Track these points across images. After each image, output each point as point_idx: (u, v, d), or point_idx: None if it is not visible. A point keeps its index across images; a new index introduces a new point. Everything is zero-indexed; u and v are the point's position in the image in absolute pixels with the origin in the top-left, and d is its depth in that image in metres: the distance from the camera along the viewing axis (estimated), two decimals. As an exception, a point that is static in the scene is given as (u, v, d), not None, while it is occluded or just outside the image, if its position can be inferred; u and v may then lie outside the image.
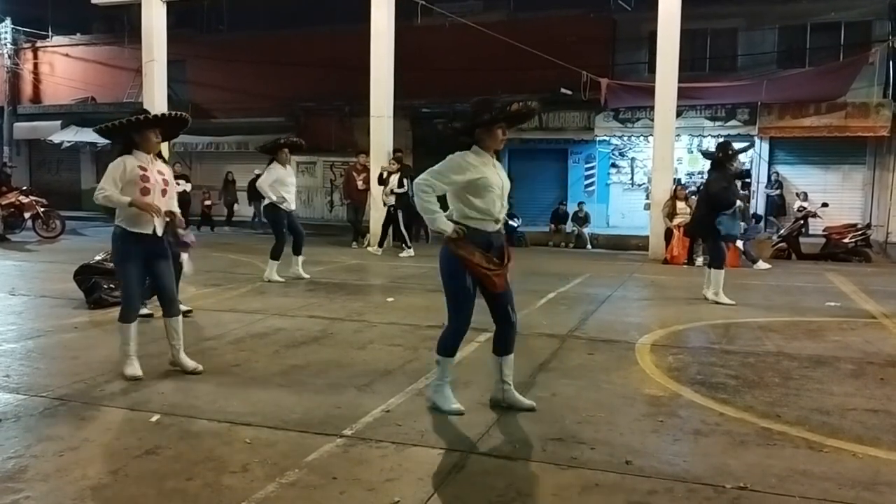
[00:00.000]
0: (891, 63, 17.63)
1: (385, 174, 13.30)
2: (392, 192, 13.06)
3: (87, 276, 7.67)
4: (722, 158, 8.39)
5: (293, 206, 9.50)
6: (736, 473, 3.46)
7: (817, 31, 18.91)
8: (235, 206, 20.65)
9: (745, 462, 3.61)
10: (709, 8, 18.01)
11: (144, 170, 4.94)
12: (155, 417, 4.17)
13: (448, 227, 4.17)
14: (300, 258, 9.72)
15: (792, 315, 7.67)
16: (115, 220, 5.00)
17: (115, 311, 7.13)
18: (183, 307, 7.12)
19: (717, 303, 8.16)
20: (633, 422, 4.21)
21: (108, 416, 4.23)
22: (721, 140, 9.53)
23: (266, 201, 9.50)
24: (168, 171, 5.23)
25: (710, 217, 8.27)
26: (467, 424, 4.09)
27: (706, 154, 9.24)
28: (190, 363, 5.11)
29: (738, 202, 8.18)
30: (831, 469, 3.54)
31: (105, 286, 7.56)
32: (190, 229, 7.01)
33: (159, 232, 5.03)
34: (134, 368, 4.93)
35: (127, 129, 4.94)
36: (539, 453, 3.71)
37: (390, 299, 8.31)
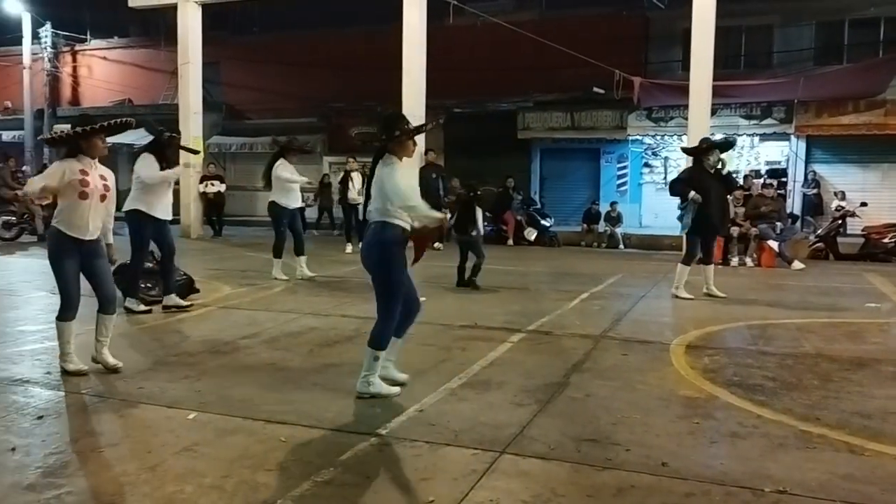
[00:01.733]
0: (932, 59, 17.23)
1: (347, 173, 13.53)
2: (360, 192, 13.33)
3: (124, 276, 7.77)
4: (697, 153, 8.52)
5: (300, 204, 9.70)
6: (775, 477, 3.41)
7: (856, 26, 18.54)
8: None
9: (784, 465, 3.55)
10: (744, 4, 17.77)
11: (85, 174, 5.06)
12: (192, 415, 4.22)
13: (438, 214, 4.71)
14: (303, 258, 9.72)
15: (831, 316, 7.53)
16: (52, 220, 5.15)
17: (154, 310, 7.30)
18: (182, 302, 7.47)
19: (676, 296, 8.40)
20: (668, 423, 4.16)
21: (147, 413, 4.30)
22: (702, 137, 9.57)
23: (272, 197, 9.46)
24: (111, 177, 5.32)
25: (702, 214, 8.41)
26: (501, 425, 4.08)
27: (685, 150, 9.55)
28: (111, 360, 5.19)
29: (694, 195, 8.24)
30: (873, 473, 3.47)
31: (142, 285, 7.66)
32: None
33: (94, 237, 5.15)
34: (76, 364, 5.10)
35: (74, 138, 5.08)
36: (573, 454, 3.68)
37: (422, 299, 8.28)
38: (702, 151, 8.49)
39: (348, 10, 21.49)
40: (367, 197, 4.64)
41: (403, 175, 4.53)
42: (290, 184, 9.35)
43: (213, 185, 16.22)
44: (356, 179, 13.29)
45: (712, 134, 12.54)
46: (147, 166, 7.32)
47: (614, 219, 18.25)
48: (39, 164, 22.24)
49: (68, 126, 5.13)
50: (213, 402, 4.45)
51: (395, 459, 3.61)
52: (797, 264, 11.48)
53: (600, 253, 15.95)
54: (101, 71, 26.28)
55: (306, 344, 6.06)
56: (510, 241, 16.13)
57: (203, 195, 16.15)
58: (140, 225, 7.32)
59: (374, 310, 4.75)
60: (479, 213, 9.46)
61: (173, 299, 7.43)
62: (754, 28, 19.21)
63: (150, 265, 8.02)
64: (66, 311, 5.16)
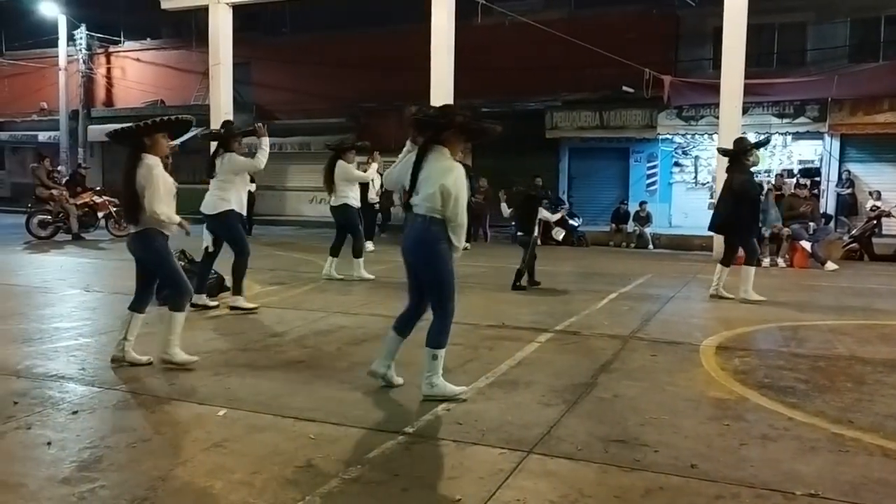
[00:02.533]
0: (971, 56, 16.88)
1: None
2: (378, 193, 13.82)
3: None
4: (738, 153, 8.35)
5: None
6: (806, 480, 3.36)
7: (892, 23, 18.18)
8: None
9: (816, 468, 3.51)
10: (777, 1, 17.52)
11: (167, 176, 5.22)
12: (222, 412, 4.27)
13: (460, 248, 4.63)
14: (360, 260, 9.71)
15: (865, 318, 7.41)
16: (144, 225, 5.20)
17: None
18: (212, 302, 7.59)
19: (745, 300, 8.19)
20: (697, 425, 4.13)
21: (178, 409, 4.36)
22: (736, 137, 9.39)
23: (343, 200, 9.44)
24: None
25: (737, 214, 8.24)
26: (528, 424, 4.08)
27: (723, 151, 9.26)
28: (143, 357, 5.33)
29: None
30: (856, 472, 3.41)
31: (174, 283, 7.77)
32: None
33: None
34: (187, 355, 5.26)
35: (138, 134, 5.11)
36: (601, 454, 3.67)
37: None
38: (743, 152, 8.37)
39: (377, 11, 21.58)
40: (411, 188, 4.50)
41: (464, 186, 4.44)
42: (357, 182, 9.48)
43: (244, 184, 16.34)
44: (376, 180, 13.41)
45: (744, 133, 12.38)
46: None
47: (643, 218, 18.12)
48: (74, 164, 22.67)
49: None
50: (243, 400, 4.50)
51: (423, 458, 3.63)
52: (830, 265, 11.31)
53: (629, 253, 15.85)
54: (135, 72, 26.67)
55: (335, 342, 6.11)
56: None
57: (233, 194, 16.27)
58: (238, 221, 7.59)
59: (402, 308, 4.77)
60: (540, 212, 9.45)
61: (203, 299, 7.51)
62: (787, 25, 18.94)
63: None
64: (186, 300, 5.35)
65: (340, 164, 9.37)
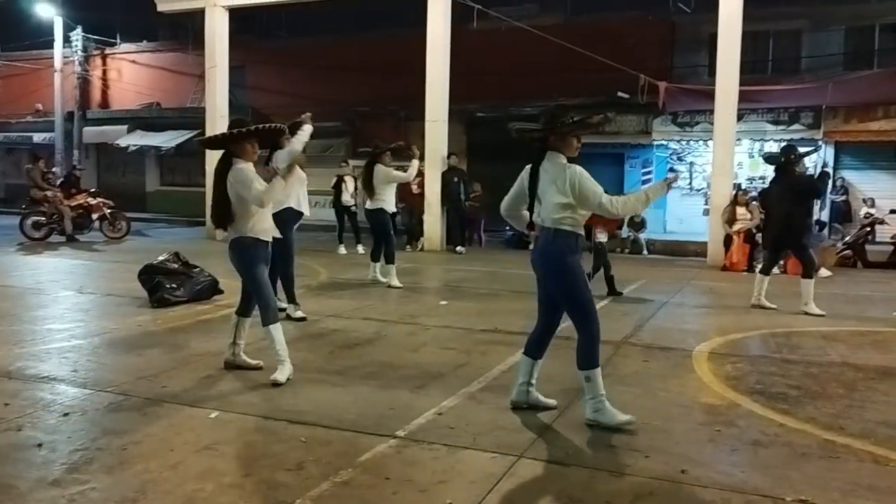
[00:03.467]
0: (965, 64, 16.95)
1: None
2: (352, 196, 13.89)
3: (150, 276, 7.90)
4: (785, 162, 8.23)
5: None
6: (797, 486, 3.37)
7: (886, 31, 18.25)
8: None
9: (807, 474, 3.52)
10: (772, 9, 17.57)
11: None
12: (214, 414, 4.27)
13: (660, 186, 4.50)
14: (378, 265, 9.62)
15: (857, 325, 7.43)
16: (237, 233, 5.03)
17: (177, 310, 7.38)
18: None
19: (806, 313, 7.93)
20: (689, 430, 4.13)
21: (169, 411, 4.35)
22: (784, 144, 9.30)
23: (380, 204, 9.32)
24: None
25: (794, 217, 8.10)
26: (519, 429, 4.08)
27: (770, 159, 8.97)
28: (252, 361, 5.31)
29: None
30: (897, 484, 3.42)
31: (168, 286, 7.78)
32: None
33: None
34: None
35: (225, 141, 5.09)
36: (592, 460, 3.67)
37: (443, 302, 8.34)
38: (791, 161, 8.24)
39: (373, 15, 21.60)
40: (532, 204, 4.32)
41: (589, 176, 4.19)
42: (395, 186, 9.59)
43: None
44: (349, 183, 13.63)
45: (739, 140, 12.39)
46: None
47: (638, 224, 18.12)
48: (69, 165, 22.62)
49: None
50: (235, 402, 4.49)
51: (414, 462, 3.62)
52: (824, 272, 11.33)
53: (623, 258, 15.84)
54: (130, 74, 26.61)
55: (327, 346, 6.10)
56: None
57: (228, 198, 16.26)
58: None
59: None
60: None
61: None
62: (782, 33, 18.99)
63: (176, 266, 8.14)
64: (274, 312, 5.10)
65: (379, 167, 9.29)
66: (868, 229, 14.21)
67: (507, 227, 17.08)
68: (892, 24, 18.03)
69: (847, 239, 14.66)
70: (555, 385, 4.95)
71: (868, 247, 13.87)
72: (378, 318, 7.29)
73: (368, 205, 9.40)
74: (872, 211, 15.82)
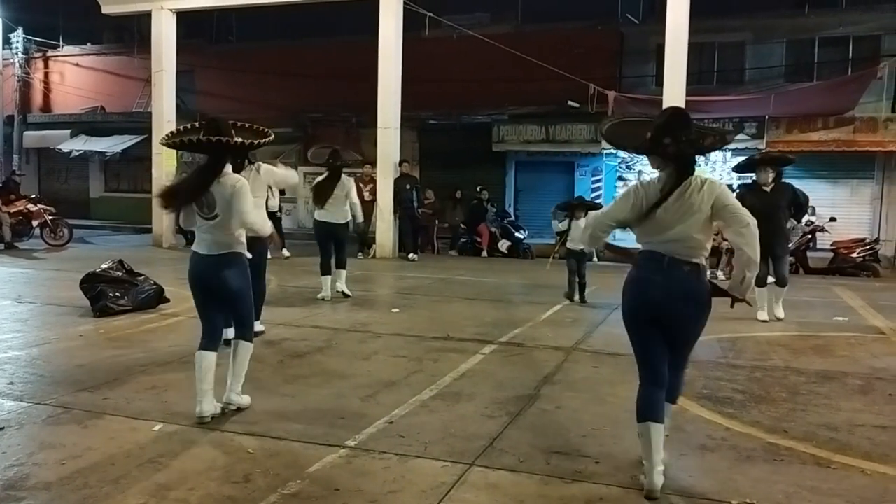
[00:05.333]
0: (899, 78, 17.59)
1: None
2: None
3: (93, 285, 7.69)
4: (785, 164, 8.36)
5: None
6: (742, 489, 3.43)
7: (825, 45, 18.86)
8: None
9: (752, 477, 3.58)
10: (716, 21, 18.00)
11: None
12: (158, 426, 4.16)
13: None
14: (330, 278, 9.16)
15: (800, 329, 7.62)
16: (236, 248, 4.45)
17: (121, 320, 7.20)
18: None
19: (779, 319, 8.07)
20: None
21: (112, 424, 4.22)
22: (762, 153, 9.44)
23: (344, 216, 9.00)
24: None
25: (785, 229, 8.17)
26: (471, 437, 4.07)
27: (783, 161, 8.56)
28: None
29: None
30: (839, 486, 3.50)
31: (111, 294, 7.58)
32: None
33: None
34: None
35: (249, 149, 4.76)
36: (543, 466, 3.68)
37: (395, 310, 8.29)
38: (747, 167, 8.27)
39: (325, 21, 21.47)
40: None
41: None
42: None
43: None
44: (275, 189, 13.41)
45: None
46: None
47: (588, 231, 18.33)
48: (8, 170, 21.89)
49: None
50: (180, 414, 4.38)
51: (364, 472, 3.58)
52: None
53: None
54: (74, 77, 25.95)
55: (276, 354, 6.01)
56: (484, 253, 16.17)
57: (176, 204, 15.96)
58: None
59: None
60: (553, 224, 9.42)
61: None
62: (727, 45, 19.47)
63: (120, 274, 7.93)
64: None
65: (345, 178, 9.10)
66: (809, 237, 14.62)
67: (461, 234, 17.24)
68: (830, 37, 18.64)
69: (789, 246, 15.05)
70: (507, 392, 4.96)
71: (809, 254, 14.27)
72: (329, 326, 7.21)
73: (317, 216, 9.02)
74: (813, 219, 16.27)
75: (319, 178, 9.08)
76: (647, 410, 3.47)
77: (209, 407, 4.28)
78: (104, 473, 3.49)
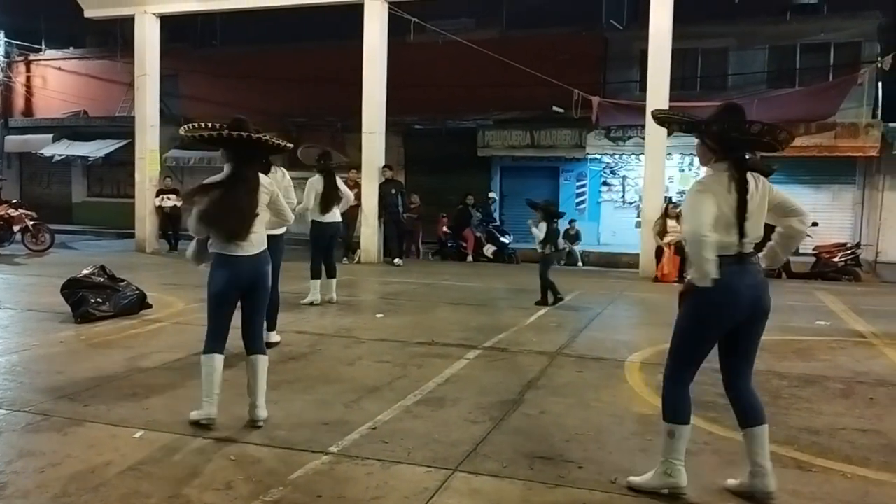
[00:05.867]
0: (879, 84, 17.78)
1: None
2: None
3: (74, 290, 7.61)
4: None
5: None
6: (725, 493, 3.44)
7: (807, 51, 19.07)
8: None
9: (727, 479, 3.58)
10: (700, 28, 18.15)
11: None
12: (139, 433, 4.12)
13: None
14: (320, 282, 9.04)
15: (782, 334, 7.65)
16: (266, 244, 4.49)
17: (102, 326, 7.14)
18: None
19: None
20: (621, 440, 4.18)
21: (92, 431, 4.18)
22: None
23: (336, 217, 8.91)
24: None
25: None
26: (455, 442, 4.06)
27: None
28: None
29: None
30: (820, 489, 3.52)
31: (92, 300, 7.50)
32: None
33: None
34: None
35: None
36: (526, 472, 3.68)
37: (379, 315, 8.27)
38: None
39: (310, 26, 21.44)
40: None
41: None
42: None
43: (169, 198, 15.96)
44: None
45: (670, 154, 12.63)
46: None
47: (573, 236, 18.41)
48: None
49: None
50: (162, 421, 4.35)
51: (347, 478, 3.56)
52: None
53: (558, 270, 16.02)
54: (56, 81, 25.78)
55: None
56: (469, 258, 16.18)
57: (159, 209, 15.89)
58: None
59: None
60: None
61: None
62: (710, 51, 19.64)
63: (102, 280, 7.87)
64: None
65: (339, 180, 9.00)
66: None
67: (447, 239, 17.25)
68: (812, 44, 18.84)
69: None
70: (491, 397, 4.96)
71: (791, 258, 14.37)
72: (313, 331, 7.18)
73: (319, 217, 8.77)
74: (795, 224, 16.40)
75: (318, 186, 8.76)
76: (746, 421, 3.51)
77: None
78: (84, 482, 3.46)
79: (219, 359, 4.41)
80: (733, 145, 3.35)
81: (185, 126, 4.55)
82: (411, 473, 3.63)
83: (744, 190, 3.30)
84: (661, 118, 3.68)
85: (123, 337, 6.79)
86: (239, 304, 4.48)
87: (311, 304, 8.71)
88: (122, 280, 8.06)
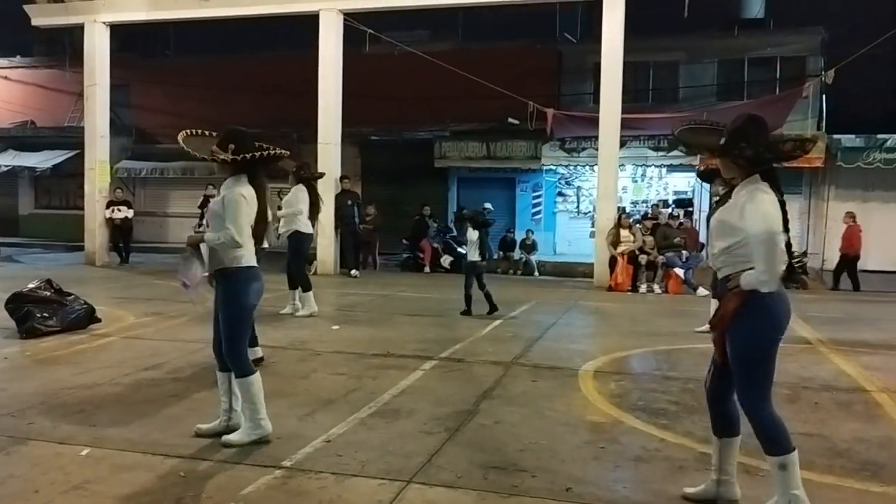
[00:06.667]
0: (824, 97, 18.33)
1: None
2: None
3: (19, 305, 7.40)
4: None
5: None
6: (675, 499, 3.49)
7: (754, 65, 19.59)
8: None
9: (685, 487, 3.64)
10: (651, 41, 18.50)
11: None
12: (85, 451, 4.03)
13: None
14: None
15: (731, 341, 7.80)
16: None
17: (49, 341, 6.95)
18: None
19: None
20: (574, 449, 4.22)
21: (36, 450, 4.07)
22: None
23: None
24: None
25: None
26: (410, 454, 4.05)
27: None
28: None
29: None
30: (766, 493, 3.58)
31: (38, 315, 7.31)
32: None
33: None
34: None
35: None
36: (480, 482, 3.68)
37: (335, 327, 8.22)
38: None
39: (265, 36, 21.31)
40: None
41: None
42: None
43: (119, 210, 15.67)
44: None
45: (622, 166, 12.81)
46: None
47: (529, 246, 18.54)
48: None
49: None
50: (110, 437, 4.25)
51: (300, 492, 3.53)
52: (702, 291, 11.87)
53: (515, 280, 16.14)
54: (2, 91, 25.11)
55: (212, 375, 5.83)
56: (427, 269, 16.18)
57: (109, 221, 15.57)
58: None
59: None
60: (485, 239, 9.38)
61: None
62: (661, 64, 20.05)
63: (48, 294, 7.67)
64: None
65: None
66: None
67: (404, 250, 17.24)
68: (759, 57, 19.38)
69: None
70: (446, 408, 4.96)
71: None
72: (267, 344, 7.07)
73: (306, 228, 8.88)
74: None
75: (304, 196, 8.81)
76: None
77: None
78: (27, 502, 3.37)
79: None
80: (765, 163, 3.33)
81: (186, 132, 4.66)
82: (365, 486, 3.60)
83: (783, 204, 3.30)
84: (685, 139, 3.63)
85: (71, 352, 6.62)
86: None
87: (311, 315, 8.79)
88: (70, 294, 7.86)
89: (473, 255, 9.19)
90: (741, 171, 3.33)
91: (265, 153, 4.37)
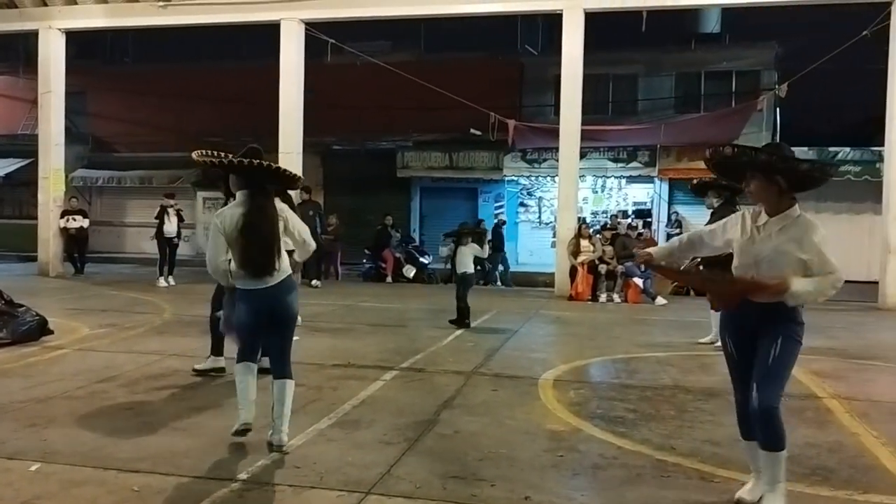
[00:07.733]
0: (778, 110, 18.78)
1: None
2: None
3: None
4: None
5: None
6: (631, 506, 3.52)
7: (711, 78, 20.02)
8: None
9: (641, 494, 3.68)
10: (610, 54, 18.78)
11: None
12: (35, 466, 3.92)
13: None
14: None
15: (688, 349, 7.93)
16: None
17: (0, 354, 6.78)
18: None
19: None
20: (533, 457, 4.23)
21: (-17, 466, 3.96)
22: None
23: None
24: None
25: None
26: (369, 465, 4.03)
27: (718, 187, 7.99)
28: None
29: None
30: (721, 499, 3.65)
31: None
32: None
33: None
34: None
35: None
36: (440, 492, 3.68)
37: (295, 338, 8.12)
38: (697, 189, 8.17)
39: (226, 44, 21.15)
40: None
41: None
42: None
43: (74, 220, 15.35)
44: (171, 214, 13.60)
45: (583, 175, 12.95)
46: None
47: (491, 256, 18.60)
48: None
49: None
50: (61, 452, 4.15)
51: (256, 505, 3.48)
52: (660, 300, 12.05)
53: (477, 290, 16.17)
54: (-47, 98, 24.52)
55: (168, 387, 5.79)
56: (389, 279, 16.14)
57: (64, 230, 15.25)
58: None
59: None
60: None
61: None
62: (620, 77, 20.36)
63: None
64: None
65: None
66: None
67: (366, 260, 17.18)
68: (715, 71, 19.80)
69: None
70: (406, 418, 4.95)
71: (699, 276, 14.90)
72: (225, 356, 6.99)
73: None
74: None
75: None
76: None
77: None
78: (-28, 519, 3.27)
79: (252, 367, 4.48)
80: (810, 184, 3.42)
81: (200, 152, 4.61)
82: (323, 498, 3.58)
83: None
84: (719, 164, 3.52)
85: (21, 365, 6.46)
86: None
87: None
88: (22, 305, 7.68)
89: (468, 268, 9.21)
90: (773, 194, 3.36)
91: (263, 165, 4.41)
